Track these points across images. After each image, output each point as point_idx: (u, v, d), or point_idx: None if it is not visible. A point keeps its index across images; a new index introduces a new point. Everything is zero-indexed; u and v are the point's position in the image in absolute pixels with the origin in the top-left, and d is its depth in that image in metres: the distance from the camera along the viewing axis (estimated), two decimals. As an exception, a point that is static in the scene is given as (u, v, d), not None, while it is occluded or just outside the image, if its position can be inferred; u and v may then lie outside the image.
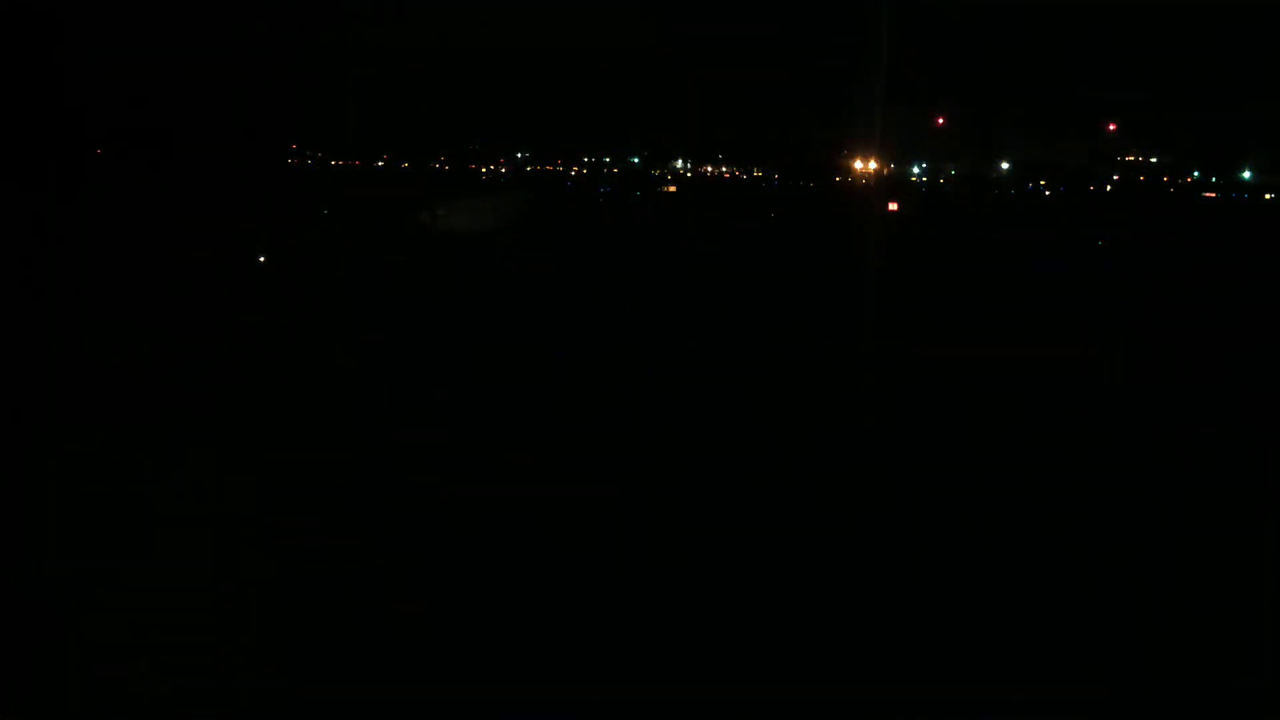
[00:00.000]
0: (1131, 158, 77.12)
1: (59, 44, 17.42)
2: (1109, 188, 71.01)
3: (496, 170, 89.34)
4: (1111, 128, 77.68)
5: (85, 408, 13.15)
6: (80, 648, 7.74)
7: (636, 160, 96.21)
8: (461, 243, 35.64)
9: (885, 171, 73.68)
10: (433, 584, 8.85)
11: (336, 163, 75.87)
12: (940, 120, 73.05)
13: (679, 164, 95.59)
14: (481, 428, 13.36)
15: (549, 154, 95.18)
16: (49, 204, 17.35)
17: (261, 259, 24.39)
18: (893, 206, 50.92)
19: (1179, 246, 35.36)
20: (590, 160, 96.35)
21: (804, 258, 32.07)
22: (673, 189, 77.52)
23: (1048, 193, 69.93)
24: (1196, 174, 74.84)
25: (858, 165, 71.61)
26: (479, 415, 13.92)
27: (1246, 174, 72.31)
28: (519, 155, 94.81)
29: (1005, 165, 78.04)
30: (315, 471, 11.40)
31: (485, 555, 9.44)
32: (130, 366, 15.09)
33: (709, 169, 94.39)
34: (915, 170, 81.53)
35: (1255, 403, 15.46)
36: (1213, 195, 67.38)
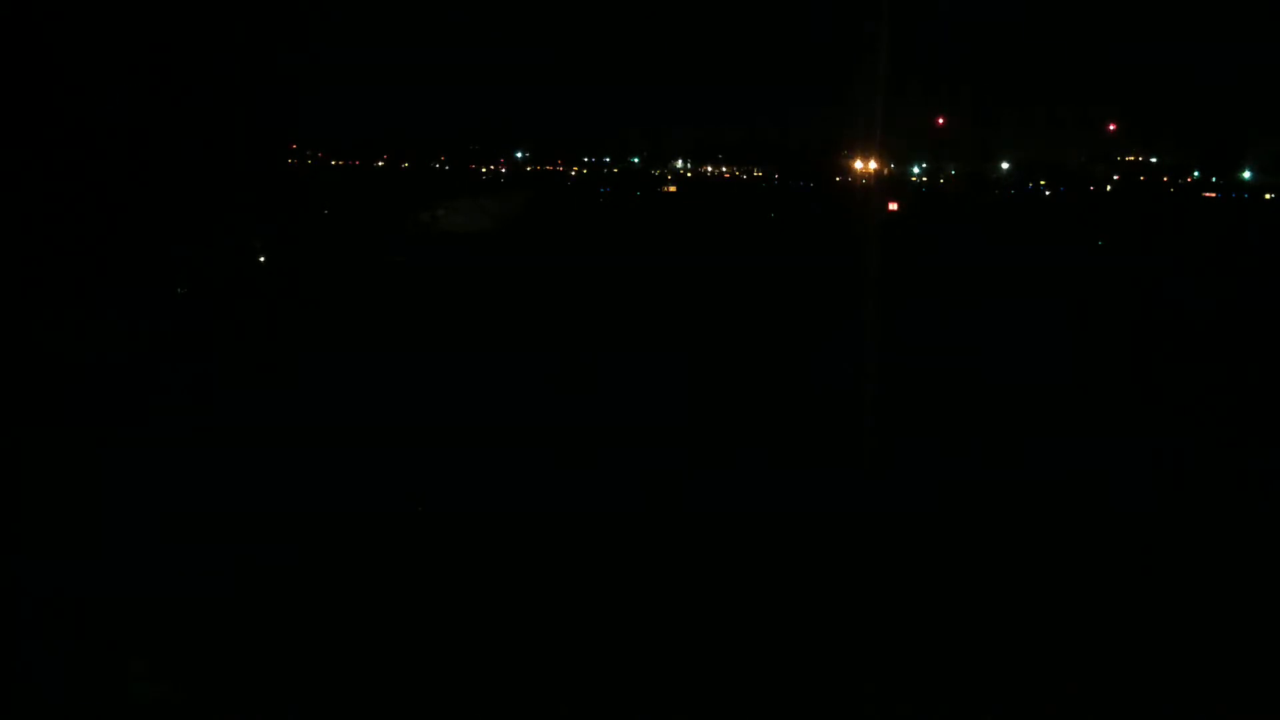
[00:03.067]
0: (1131, 158, 77.29)
1: (58, 43, 17.43)
2: (1109, 188, 71.14)
3: (496, 170, 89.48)
4: (1111, 128, 77.80)
5: (84, 408, 13.15)
6: (80, 647, 7.74)
7: (636, 160, 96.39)
8: (461, 242, 35.67)
9: (885, 171, 73.80)
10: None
11: (336, 163, 76.06)
12: (940, 120, 73.16)
13: (679, 164, 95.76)
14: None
15: (549, 154, 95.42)
16: (48, 204, 17.35)
17: (262, 259, 24.40)
18: (893, 206, 50.95)
19: (1178, 246, 35.39)
20: (590, 160, 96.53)
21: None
22: (673, 189, 77.61)
23: (1048, 193, 70.00)
24: (1196, 174, 74.98)
25: (858, 165, 71.74)
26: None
27: (1246, 174, 72.41)
28: (519, 155, 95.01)
29: (1005, 165, 78.19)
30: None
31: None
32: (129, 366, 15.09)
33: (709, 169, 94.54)
34: (915, 170, 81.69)
35: (1253, 399, 15.46)
36: (1213, 195, 67.47)
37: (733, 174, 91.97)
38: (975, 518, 10.53)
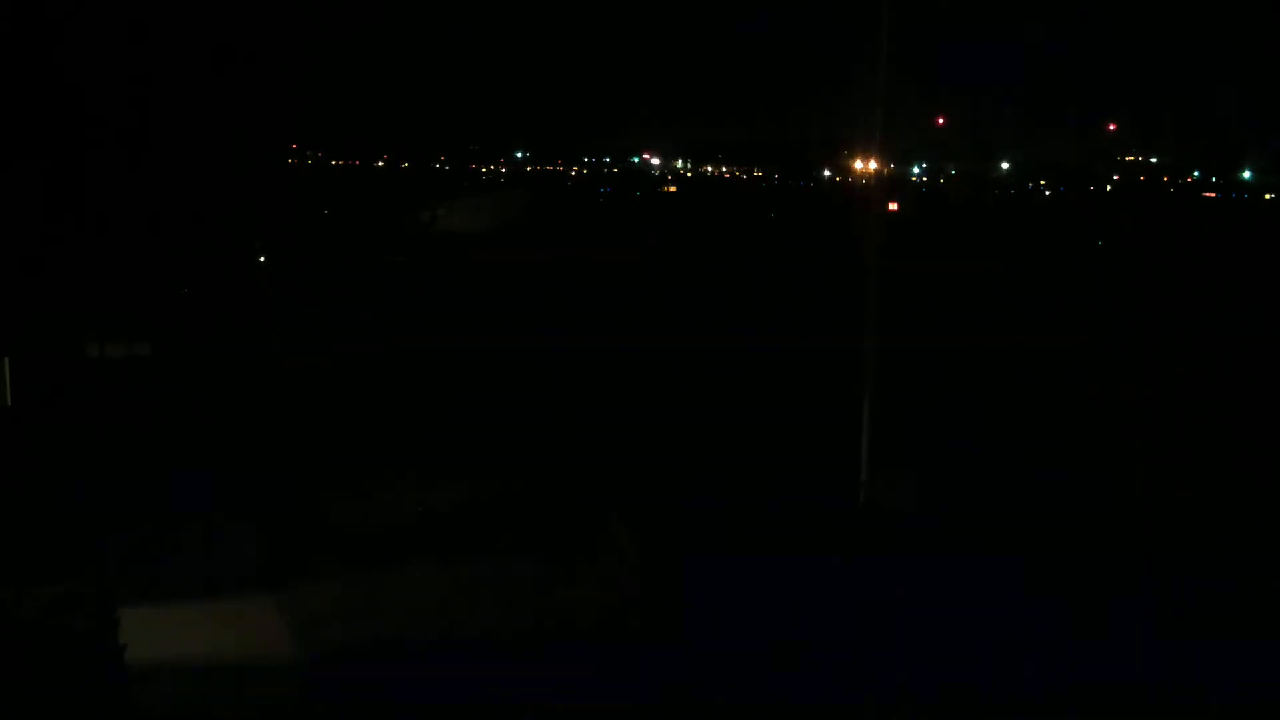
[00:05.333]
0: (1131, 158, 77.36)
1: (59, 42, 17.43)
2: (1109, 188, 71.14)
3: (496, 170, 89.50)
4: (1111, 128, 77.86)
5: (84, 408, 13.15)
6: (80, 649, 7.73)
7: (637, 160, 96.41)
8: (461, 242, 35.63)
9: (885, 171, 73.51)
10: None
11: (336, 163, 75.98)
12: (940, 120, 73.19)
13: (679, 164, 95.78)
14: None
15: (549, 154, 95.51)
16: (49, 204, 17.34)
17: (262, 259, 24.34)
18: (893, 206, 50.91)
19: (1179, 245, 35.34)
20: (590, 160, 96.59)
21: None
22: (673, 189, 77.58)
23: (1048, 192, 70.02)
24: (1197, 174, 75.06)
25: (858, 165, 71.64)
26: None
27: (1247, 174, 72.48)
28: (519, 155, 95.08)
29: (1005, 165, 78.26)
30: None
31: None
32: (128, 366, 15.08)
33: (709, 169, 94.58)
34: (915, 170, 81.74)
35: (1253, 398, 15.48)
36: (1213, 195, 67.49)
37: (733, 174, 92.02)
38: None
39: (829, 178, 72.72)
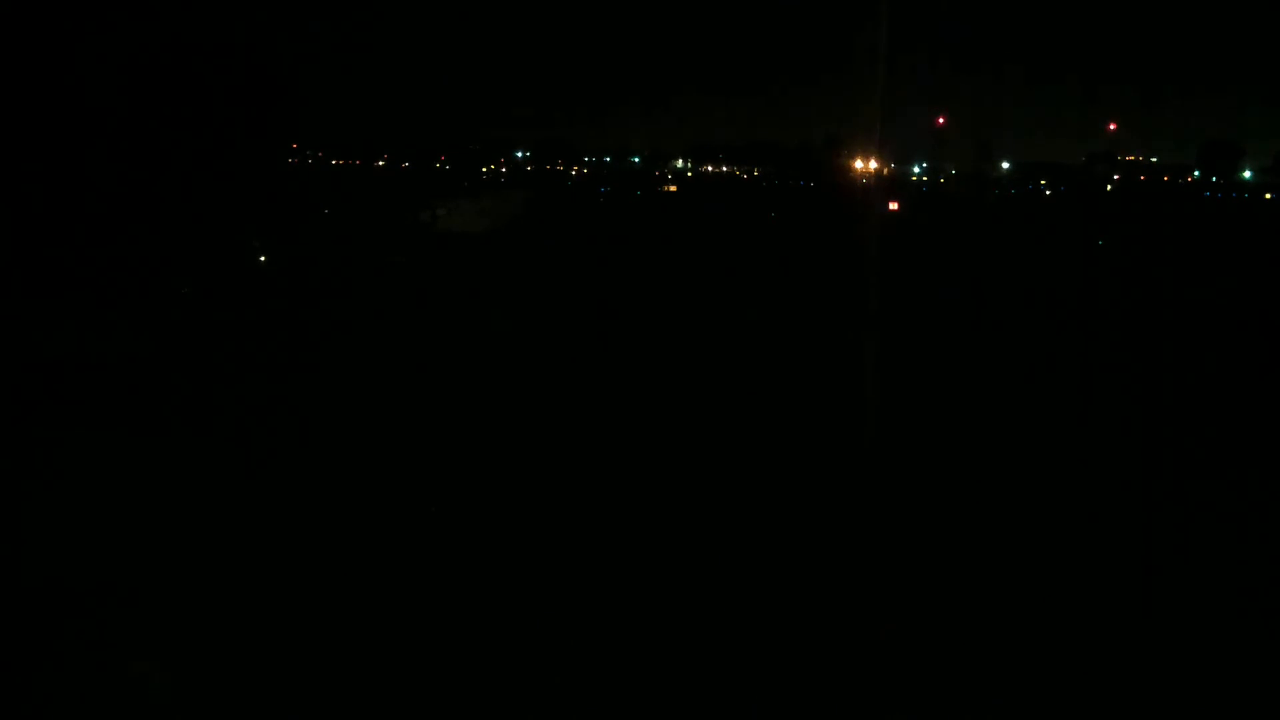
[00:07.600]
0: (1131, 158, 77.48)
1: (60, 44, 17.45)
2: (1109, 188, 71.21)
3: (496, 170, 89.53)
4: (1112, 127, 78.03)
5: (84, 407, 13.14)
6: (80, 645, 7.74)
7: (637, 160, 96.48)
8: (461, 241, 35.63)
9: (885, 171, 73.81)
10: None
11: (336, 162, 76.06)
12: (940, 120, 73.28)
13: (679, 164, 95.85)
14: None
15: (549, 154, 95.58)
16: (51, 204, 17.36)
17: (262, 258, 24.37)
18: (893, 206, 51.00)
19: (1179, 245, 35.38)
20: (590, 160, 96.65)
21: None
22: (673, 189, 77.55)
23: (1048, 192, 70.05)
24: (1197, 174, 75.14)
25: (858, 165, 71.77)
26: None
27: (1247, 174, 72.55)
28: (519, 155, 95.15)
29: (1005, 165, 78.35)
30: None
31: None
32: (131, 365, 15.09)
33: (709, 168, 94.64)
34: (915, 170, 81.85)
35: (1254, 397, 15.48)
36: (1212, 195, 67.58)
37: (733, 174, 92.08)
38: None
39: (829, 177, 72.72)
